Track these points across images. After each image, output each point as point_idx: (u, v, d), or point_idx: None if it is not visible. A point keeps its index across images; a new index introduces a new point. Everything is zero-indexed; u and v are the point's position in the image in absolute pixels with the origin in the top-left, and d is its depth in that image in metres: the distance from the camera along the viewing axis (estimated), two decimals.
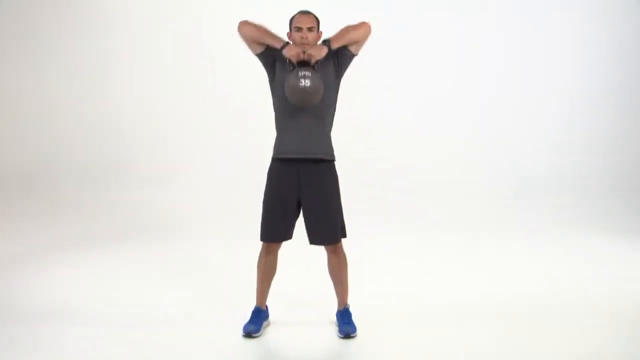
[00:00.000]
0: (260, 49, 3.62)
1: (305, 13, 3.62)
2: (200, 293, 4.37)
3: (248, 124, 7.07)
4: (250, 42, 3.65)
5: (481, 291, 4.49)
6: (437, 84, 7.32)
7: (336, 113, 3.70)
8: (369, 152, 7.10)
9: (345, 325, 3.69)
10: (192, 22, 7.27)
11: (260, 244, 3.72)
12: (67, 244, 5.55)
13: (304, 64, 3.46)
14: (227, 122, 7.21)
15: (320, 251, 3.77)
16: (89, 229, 6.04)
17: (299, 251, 4.15)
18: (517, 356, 3.53)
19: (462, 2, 7.31)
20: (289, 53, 3.49)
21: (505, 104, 7.36)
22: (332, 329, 3.76)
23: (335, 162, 3.68)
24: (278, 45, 3.54)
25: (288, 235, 3.69)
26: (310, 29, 3.55)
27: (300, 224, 3.70)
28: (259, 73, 7.62)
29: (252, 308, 3.76)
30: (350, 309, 3.78)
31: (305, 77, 3.40)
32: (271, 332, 3.73)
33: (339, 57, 3.62)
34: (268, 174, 3.68)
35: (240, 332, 3.67)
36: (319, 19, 3.65)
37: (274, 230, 3.66)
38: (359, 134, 7.02)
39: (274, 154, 3.66)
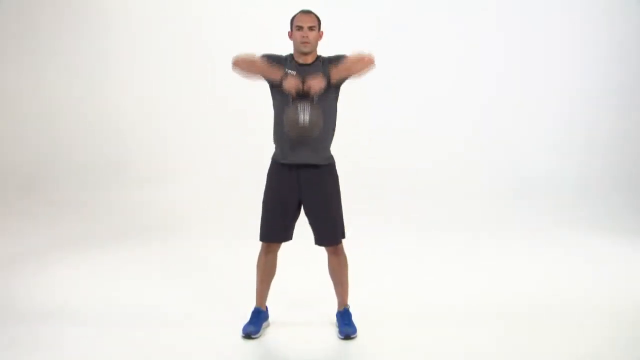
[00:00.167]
0: (259, 78, 3.60)
1: (306, 12, 3.62)
2: (200, 293, 4.37)
3: (248, 124, 7.06)
4: (248, 75, 3.62)
5: (481, 291, 4.49)
6: (437, 84, 7.31)
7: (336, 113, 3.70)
8: (369, 152, 7.09)
9: (346, 326, 3.69)
10: (192, 22, 7.26)
11: (259, 244, 3.72)
12: (67, 244, 5.55)
13: (303, 96, 3.43)
14: (227, 122, 7.20)
15: (320, 251, 3.78)
16: (89, 229, 6.04)
17: (299, 251, 4.16)
18: (517, 356, 3.54)
19: (462, 2, 7.30)
20: (288, 86, 3.45)
21: (505, 104, 7.35)
22: (332, 330, 3.76)
23: (336, 163, 3.68)
24: (277, 77, 3.50)
25: (288, 236, 3.69)
26: (311, 28, 3.55)
27: (300, 224, 3.71)
28: None
29: (252, 309, 3.76)
30: (350, 310, 3.78)
31: (304, 112, 3.39)
32: (271, 333, 3.73)
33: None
34: (268, 174, 3.68)
35: (240, 332, 3.67)
36: (320, 18, 3.65)
37: (274, 231, 3.66)
38: (359, 134, 7.01)
39: (274, 156, 3.66)
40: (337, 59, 3.59)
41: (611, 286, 4.66)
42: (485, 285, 4.64)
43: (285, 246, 3.76)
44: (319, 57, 3.63)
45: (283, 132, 3.54)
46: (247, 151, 6.93)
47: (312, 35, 3.55)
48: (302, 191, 3.59)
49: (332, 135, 3.64)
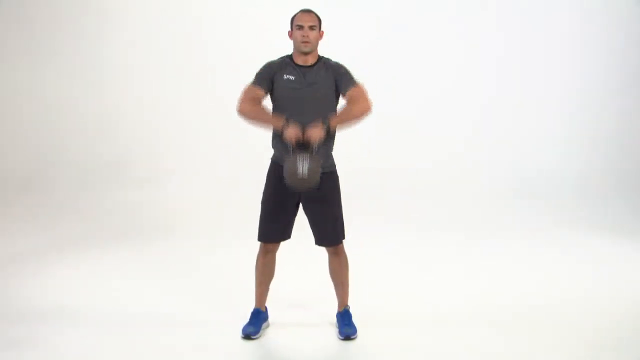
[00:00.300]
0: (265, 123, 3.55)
1: (307, 11, 3.60)
2: (200, 293, 4.37)
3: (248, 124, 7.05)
4: (253, 124, 3.58)
5: (481, 291, 4.49)
6: (437, 84, 7.31)
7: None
8: (369, 152, 7.09)
9: (346, 326, 3.68)
10: (192, 22, 7.26)
11: (259, 244, 3.71)
12: (67, 244, 5.54)
13: (302, 145, 3.40)
14: (227, 122, 7.17)
15: (320, 252, 3.77)
16: (88, 229, 6.04)
17: (299, 252, 4.16)
18: (518, 356, 3.54)
19: (462, 2, 7.30)
20: (288, 136, 3.40)
21: (505, 104, 7.35)
22: (332, 331, 3.75)
23: (336, 163, 3.67)
24: (277, 126, 3.45)
25: (286, 235, 3.68)
26: (311, 28, 3.53)
27: (300, 225, 3.70)
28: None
29: (252, 309, 3.76)
30: (351, 310, 3.78)
31: (303, 165, 3.34)
32: (270, 333, 3.73)
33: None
34: (267, 175, 3.67)
35: (240, 333, 3.66)
36: (321, 17, 3.63)
37: (272, 231, 3.65)
38: (359, 134, 6.98)
39: (273, 157, 3.65)
40: (342, 77, 3.55)
41: (611, 286, 4.66)
42: (485, 285, 4.64)
43: (284, 247, 3.75)
44: (320, 59, 3.61)
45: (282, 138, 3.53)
46: (247, 151, 6.92)
47: (312, 34, 3.53)
48: (302, 193, 3.58)
49: (333, 142, 3.62)
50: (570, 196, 6.95)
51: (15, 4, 7.33)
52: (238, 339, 3.64)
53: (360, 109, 3.48)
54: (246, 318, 3.72)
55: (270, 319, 3.81)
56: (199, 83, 7.26)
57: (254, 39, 7.15)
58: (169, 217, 6.44)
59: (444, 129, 7.28)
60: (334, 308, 3.81)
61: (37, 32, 7.33)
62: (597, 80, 7.34)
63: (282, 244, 3.73)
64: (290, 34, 3.60)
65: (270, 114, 3.51)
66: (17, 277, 4.67)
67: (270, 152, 3.68)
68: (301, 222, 3.69)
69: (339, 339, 3.66)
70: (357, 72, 6.89)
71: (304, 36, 3.52)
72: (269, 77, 3.56)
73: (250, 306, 3.78)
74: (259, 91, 3.55)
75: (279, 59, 3.62)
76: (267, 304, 3.81)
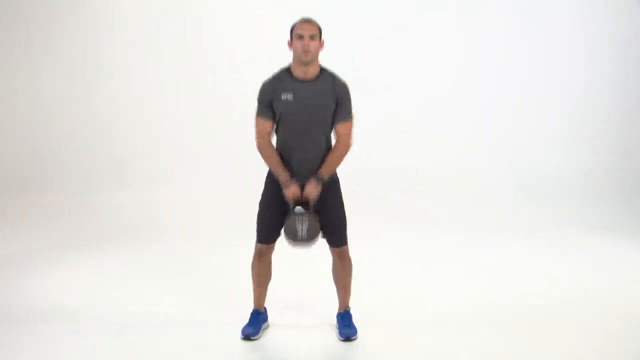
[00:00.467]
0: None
1: (307, 20, 3.52)
2: (200, 293, 4.37)
3: (248, 124, 7.04)
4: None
5: (481, 291, 4.49)
6: (437, 84, 7.30)
7: None
8: (369, 152, 7.07)
9: (346, 327, 3.68)
10: (192, 21, 7.26)
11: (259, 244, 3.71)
12: (67, 245, 5.54)
13: (302, 203, 3.49)
14: (227, 122, 7.20)
15: (320, 252, 3.77)
16: (88, 229, 6.04)
17: (299, 252, 4.15)
18: (518, 356, 3.53)
19: (462, 2, 7.29)
20: (288, 195, 3.48)
21: (506, 104, 7.35)
22: (333, 332, 3.75)
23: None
24: (280, 179, 3.51)
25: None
26: (312, 37, 3.45)
27: None
28: (259, 73, 7.60)
29: (251, 310, 3.76)
30: (351, 311, 3.77)
31: (302, 226, 3.46)
32: (270, 334, 3.73)
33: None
34: (266, 180, 3.65)
35: (239, 334, 3.66)
36: (321, 27, 3.55)
37: (270, 232, 3.64)
38: (359, 134, 6.97)
39: None
40: (342, 105, 3.52)
41: (611, 286, 4.66)
42: (485, 285, 4.64)
43: (285, 247, 3.75)
44: (323, 72, 3.54)
45: (285, 152, 3.55)
46: (247, 151, 6.90)
47: (313, 44, 3.45)
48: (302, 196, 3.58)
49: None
50: (570, 196, 6.95)
51: (13, 5, 7.32)
52: (238, 339, 3.63)
53: (342, 152, 3.55)
54: (246, 318, 3.72)
55: (270, 320, 3.81)
56: (199, 83, 7.26)
57: (254, 39, 7.15)
58: (169, 217, 6.45)
59: (444, 129, 7.28)
60: (334, 309, 3.81)
61: (34, 32, 7.33)
62: (597, 80, 7.34)
63: (283, 243, 3.73)
64: (290, 44, 3.52)
65: (280, 163, 3.52)
66: (17, 278, 4.67)
67: None
68: None
69: (339, 339, 3.66)
70: (357, 72, 6.94)
71: (304, 46, 3.44)
72: (269, 103, 3.51)
73: (250, 306, 3.78)
74: (267, 123, 3.54)
75: (275, 76, 3.55)
76: (266, 305, 3.80)
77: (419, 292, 4.46)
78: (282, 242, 3.71)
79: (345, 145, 3.56)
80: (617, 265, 5.19)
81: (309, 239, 3.48)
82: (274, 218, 3.61)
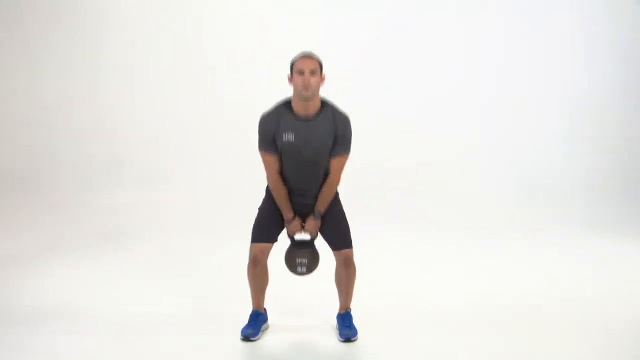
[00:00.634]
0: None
1: (307, 55, 3.47)
2: (199, 294, 4.36)
3: (248, 124, 7.03)
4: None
5: (481, 291, 4.49)
6: (437, 84, 7.31)
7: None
8: (369, 152, 7.07)
9: (346, 328, 3.66)
10: (192, 21, 7.26)
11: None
12: (67, 245, 5.54)
13: (301, 241, 3.63)
14: (227, 122, 7.20)
15: (320, 252, 3.76)
16: (88, 229, 6.03)
17: None
18: (518, 356, 3.53)
19: (462, 1, 7.29)
20: (289, 231, 3.62)
21: (506, 104, 7.35)
22: (333, 333, 3.74)
23: None
24: (284, 216, 3.59)
25: (277, 237, 3.69)
26: (312, 73, 3.41)
27: None
28: (259, 73, 7.62)
29: (250, 311, 3.75)
30: (351, 312, 3.75)
31: (302, 262, 3.59)
32: (270, 335, 3.72)
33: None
34: (267, 187, 3.67)
35: (239, 335, 3.65)
36: (322, 61, 3.50)
37: (269, 231, 3.64)
38: (359, 134, 6.95)
39: None
40: (341, 143, 3.53)
41: (611, 286, 4.66)
42: (485, 285, 4.64)
43: (284, 247, 3.75)
44: (324, 107, 3.52)
45: (286, 183, 3.59)
46: (247, 151, 6.91)
47: (314, 80, 3.40)
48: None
49: None
50: (570, 196, 6.95)
51: (12, 5, 7.32)
52: (237, 340, 3.63)
53: (333, 188, 3.59)
54: (246, 318, 3.72)
55: (269, 321, 3.80)
56: (199, 83, 7.26)
57: (254, 39, 7.15)
58: (169, 217, 6.44)
59: (444, 129, 7.28)
60: (334, 309, 3.80)
61: (33, 32, 7.33)
62: (598, 80, 7.34)
63: (283, 243, 3.73)
64: (290, 79, 3.48)
65: (287, 202, 3.58)
66: (17, 278, 4.66)
67: None
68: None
69: (339, 340, 3.65)
70: (357, 73, 6.94)
71: (305, 82, 3.40)
72: (272, 139, 3.50)
73: (250, 307, 3.77)
74: (272, 158, 3.55)
75: (274, 110, 3.53)
76: (266, 306, 3.79)
77: (419, 292, 4.46)
78: (281, 242, 3.73)
79: (337, 180, 3.60)
80: (617, 265, 5.19)
81: (308, 272, 3.64)
82: (272, 222, 3.63)
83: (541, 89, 7.35)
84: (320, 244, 3.72)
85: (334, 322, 3.78)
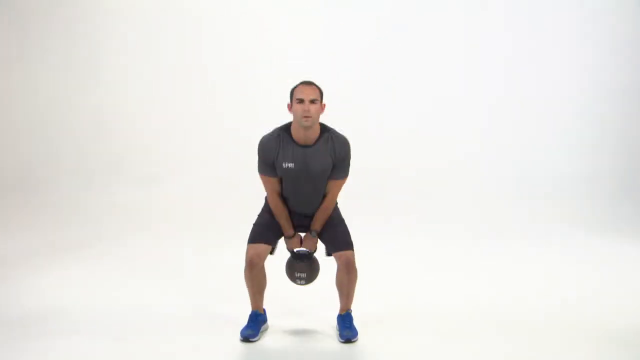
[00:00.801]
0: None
1: (307, 84, 3.47)
2: (198, 294, 4.36)
3: (248, 123, 7.04)
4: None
5: (482, 292, 4.49)
6: (438, 84, 7.30)
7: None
8: (369, 152, 7.07)
9: (346, 329, 3.64)
10: (192, 21, 7.26)
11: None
12: (67, 245, 5.55)
13: (301, 255, 3.69)
14: (226, 122, 7.20)
15: (320, 252, 3.76)
16: (88, 229, 6.04)
17: None
18: (518, 356, 3.52)
19: (463, 2, 7.29)
20: (288, 246, 3.69)
21: (506, 104, 7.34)
22: (333, 333, 3.74)
23: None
24: (285, 233, 3.64)
25: (275, 244, 3.68)
26: (313, 101, 3.41)
27: None
28: (259, 73, 7.61)
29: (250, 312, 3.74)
30: (352, 313, 3.74)
31: (300, 278, 3.69)
32: (269, 336, 3.71)
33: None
34: (266, 199, 3.69)
35: (238, 336, 3.64)
36: (322, 89, 3.51)
37: (268, 234, 3.64)
38: (359, 134, 6.96)
39: None
40: (339, 167, 3.55)
41: (612, 287, 4.66)
42: (486, 286, 4.64)
43: (284, 247, 3.74)
44: (324, 133, 3.53)
45: (287, 200, 3.62)
46: (247, 151, 6.90)
47: (314, 108, 3.41)
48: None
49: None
50: (570, 197, 6.94)
51: (10, 5, 7.31)
52: (237, 341, 3.62)
53: (329, 210, 3.62)
54: (246, 319, 3.71)
55: (269, 321, 3.79)
56: (199, 83, 7.26)
57: (254, 39, 7.15)
58: (169, 217, 6.44)
59: (443, 129, 7.28)
60: (334, 310, 3.78)
61: (32, 32, 7.32)
62: (599, 81, 7.33)
63: (281, 245, 3.72)
64: (290, 107, 3.48)
65: (288, 220, 3.62)
66: (16, 278, 4.67)
67: None
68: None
69: (340, 341, 3.64)
70: (357, 73, 6.92)
71: (305, 111, 3.40)
72: (271, 164, 3.52)
73: (250, 308, 3.76)
74: (272, 180, 3.57)
75: (274, 136, 3.53)
76: (265, 306, 3.78)
77: (419, 293, 4.46)
78: (281, 246, 3.73)
79: (333, 202, 3.65)
80: (617, 265, 5.19)
81: (308, 282, 3.73)
82: (271, 229, 3.64)
83: (541, 90, 7.34)
84: (321, 251, 3.72)
85: (334, 322, 3.77)
